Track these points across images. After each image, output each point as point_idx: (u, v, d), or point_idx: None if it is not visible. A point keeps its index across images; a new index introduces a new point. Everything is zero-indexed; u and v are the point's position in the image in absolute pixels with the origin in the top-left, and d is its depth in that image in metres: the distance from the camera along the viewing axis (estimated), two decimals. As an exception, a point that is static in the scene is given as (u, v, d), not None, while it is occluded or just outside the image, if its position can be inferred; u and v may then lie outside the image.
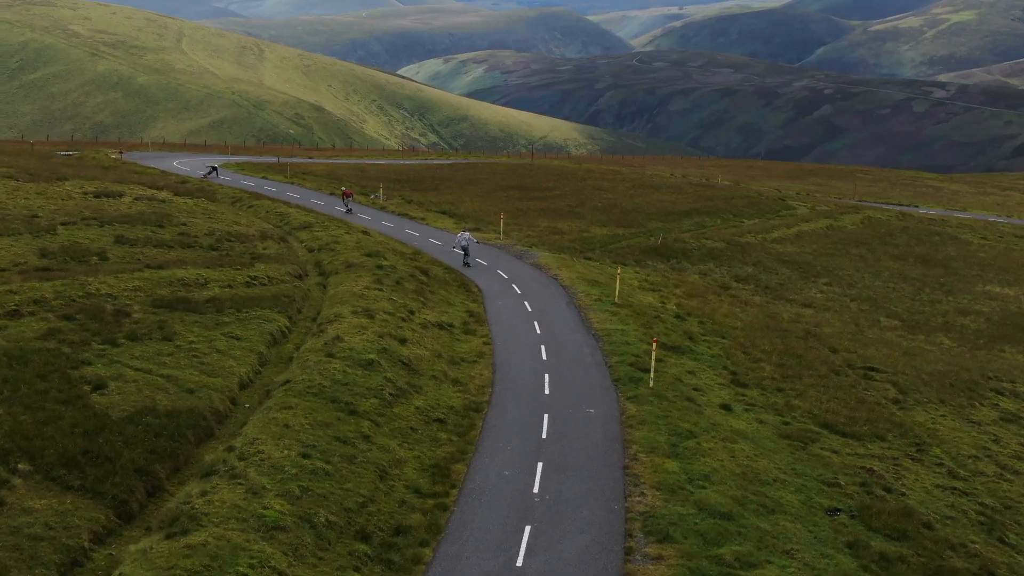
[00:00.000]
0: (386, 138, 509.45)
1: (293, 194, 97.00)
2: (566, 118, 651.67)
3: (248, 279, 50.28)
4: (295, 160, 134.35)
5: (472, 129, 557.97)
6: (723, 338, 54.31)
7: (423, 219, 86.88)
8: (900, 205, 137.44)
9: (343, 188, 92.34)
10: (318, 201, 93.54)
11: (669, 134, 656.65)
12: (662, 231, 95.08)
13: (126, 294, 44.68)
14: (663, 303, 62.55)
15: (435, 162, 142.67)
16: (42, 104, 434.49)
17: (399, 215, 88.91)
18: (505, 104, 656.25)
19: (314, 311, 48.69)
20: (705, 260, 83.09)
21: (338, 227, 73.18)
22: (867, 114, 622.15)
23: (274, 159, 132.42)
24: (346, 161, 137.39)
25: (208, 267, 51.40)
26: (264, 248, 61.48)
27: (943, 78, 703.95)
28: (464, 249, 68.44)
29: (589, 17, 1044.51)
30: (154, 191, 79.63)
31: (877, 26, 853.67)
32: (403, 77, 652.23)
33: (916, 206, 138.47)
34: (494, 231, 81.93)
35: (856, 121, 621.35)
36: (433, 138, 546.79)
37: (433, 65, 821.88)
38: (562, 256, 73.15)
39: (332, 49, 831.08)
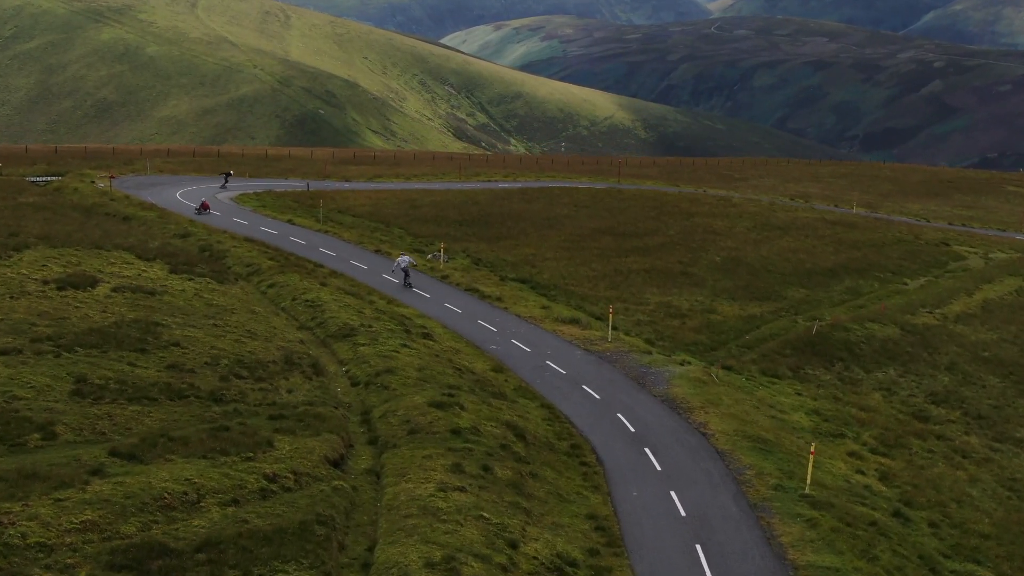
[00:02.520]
0: (429, 118, 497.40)
1: (327, 251, 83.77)
2: (634, 95, 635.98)
3: (263, 484, 36.67)
4: (328, 185, 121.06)
5: (527, 108, 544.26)
6: (978, 564, 40.22)
7: (499, 299, 72.99)
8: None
9: (400, 255, 77.73)
10: (360, 264, 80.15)
11: (752, 113, 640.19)
12: (809, 306, 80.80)
13: (66, 545, 31.27)
14: (861, 472, 48.54)
15: (501, 185, 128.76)
16: (38, 78, 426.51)
17: (466, 290, 75.14)
18: (564, 78, 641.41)
19: (364, 546, 35.00)
20: (881, 362, 68.71)
21: (392, 330, 59.48)
22: (984, 91, 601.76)
23: (302, 184, 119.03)
24: (391, 186, 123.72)
25: (206, 456, 37.86)
26: (289, 390, 47.90)
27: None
28: (404, 271, 74.81)
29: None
30: (143, 267, 66.36)
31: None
32: (448, 47, 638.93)
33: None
34: (599, 323, 67.86)
35: (971, 99, 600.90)
36: (482, 118, 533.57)
37: (482, 33, 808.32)
38: (698, 374, 58.98)
39: (367, 14, 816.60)
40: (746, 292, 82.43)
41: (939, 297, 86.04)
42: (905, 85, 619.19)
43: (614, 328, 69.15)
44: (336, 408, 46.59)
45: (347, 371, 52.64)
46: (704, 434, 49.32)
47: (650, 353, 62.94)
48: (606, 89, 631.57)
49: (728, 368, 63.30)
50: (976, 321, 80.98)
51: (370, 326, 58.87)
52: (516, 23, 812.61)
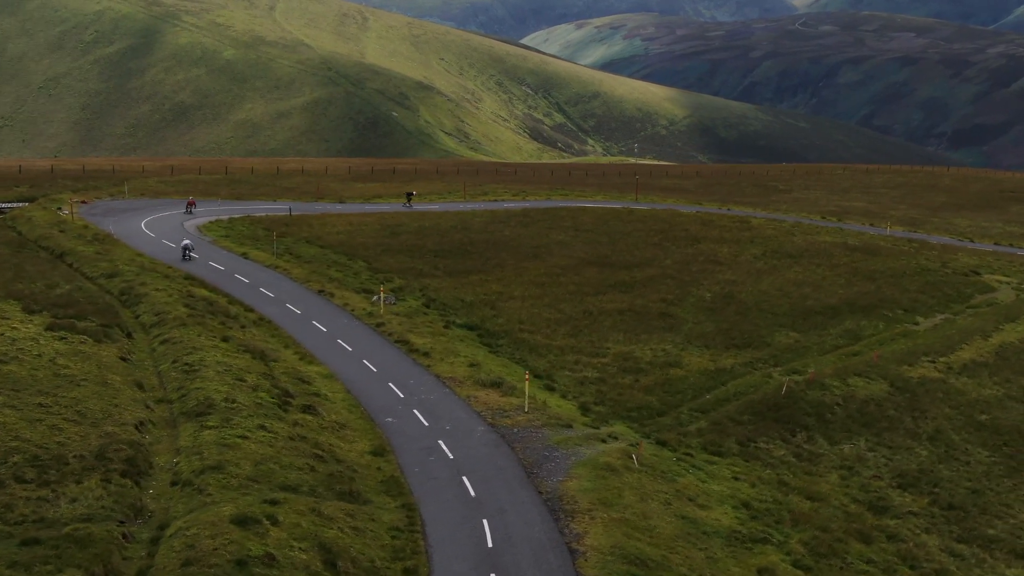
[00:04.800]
0: (504, 119, 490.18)
1: (268, 291, 76.53)
2: (716, 93, 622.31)
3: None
4: (317, 208, 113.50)
5: (604, 108, 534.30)
6: None
7: (427, 353, 64.37)
8: None
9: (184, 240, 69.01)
10: (295, 308, 72.55)
11: (837, 110, 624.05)
12: (794, 354, 71.45)
13: None
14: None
15: (506, 206, 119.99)
16: (117, 82, 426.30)
17: (396, 341, 66.72)
18: (644, 77, 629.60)
19: None
20: (853, 430, 59.24)
21: (262, 404, 51.31)
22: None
23: (286, 207, 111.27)
24: (385, 208, 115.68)
25: None
26: (73, 499, 40.00)
27: None
28: (185, 248, 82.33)
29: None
30: (17, 322, 58.98)
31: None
32: (527, 47, 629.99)
33: None
34: (519, 388, 58.84)
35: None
36: (559, 118, 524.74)
37: (563, 32, 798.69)
38: (613, 458, 49.90)
39: (449, 14, 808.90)
40: (725, 338, 73.29)
41: (949, 341, 75.99)
42: (995, 80, 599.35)
43: (550, 389, 60.79)
44: (121, 524, 38.60)
45: (176, 465, 44.67)
46: (573, 552, 40.45)
47: (570, 427, 54.13)
48: (687, 87, 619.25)
49: (662, 443, 54.40)
50: (985, 372, 70.91)
51: (234, 400, 50.68)
52: (598, 21, 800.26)
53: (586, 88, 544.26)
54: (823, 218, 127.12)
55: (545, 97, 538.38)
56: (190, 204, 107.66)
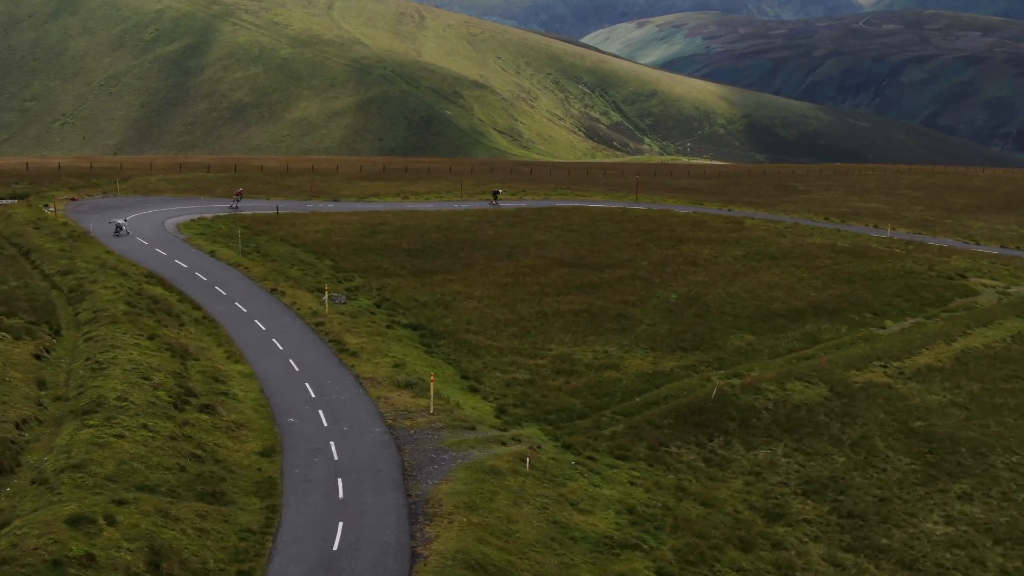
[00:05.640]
0: (560, 118, 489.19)
1: (222, 289, 76.83)
2: (777, 92, 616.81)
3: None
4: (309, 206, 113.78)
5: (662, 107, 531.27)
6: None
7: (355, 353, 64.15)
8: None
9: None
10: (242, 307, 72.71)
11: (900, 110, 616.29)
12: (744, 357, 70.52)
13: None
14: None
15: (503, 204, 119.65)
16: (176, 80, 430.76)
17: (331, 341, 66.57)
18: (704, 75, 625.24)
19: None
20: (775, 435, 58.14)
21: (156, 403, 51.40)
22: None
23: (277, 205, 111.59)
24: (378, 207, 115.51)
25: None
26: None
27: None
28: (117, 226, 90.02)
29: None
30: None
31: None
32: (585, 46, 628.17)
33: None
34: (437, 390, 58.40)
35: None
36: (616, 117, 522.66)
37: (625, 30, 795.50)
38: (503, 461, 49.35)
39: (511, 12, 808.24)
40: (676, 340, 72.43)
41: (910, 345, 74.48)
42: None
43: (474, 391, 60.59)
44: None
45: (44, 463, 44.76)
46: (416, 556, 39.93)
47: (474, 429, 53.63)
48: (748, 86, 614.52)
49: (568, 447, 53.73)
50: (938, 377, 69.27)
51: (126, 399, 50.69)
52: (659, 20, 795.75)
53: (643, 87, 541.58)
54: (826, 219, 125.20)
55: (602, 96, 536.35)
56: (237, 194, 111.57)
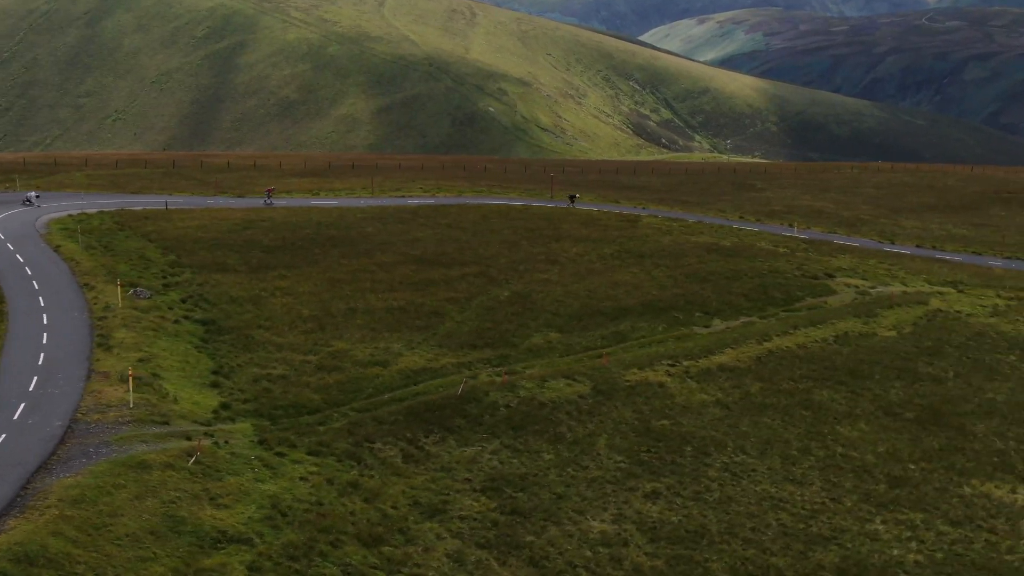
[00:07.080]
0: (608, 115, 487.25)
1: (37, 284, 77.86)
2: (837, 89, 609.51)
3: None
4: (208, 202, 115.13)
5: (714, 104, 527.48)
6: None
7: (109, 349, 64.88)
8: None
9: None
10: (40, 302, 73.61)
11: (961, 108, 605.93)
12: (535, 355, 70.42)
13: None
14: None
15: (411, 202, 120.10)
16: (225, 77, 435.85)
17: (98, 335, 67.19)
18: (763, 73, 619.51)
19: None
20: (497, 433, 57.91)
21: None
22: None
23: (180, 200, 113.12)
24: (261, 204, 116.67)
25: None
26: None
27: None
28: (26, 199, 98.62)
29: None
30: None
31: None
32: (639, 43, 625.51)
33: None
34: (163, 386, 58.82)
35: None
36: (667, 114, 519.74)
37: (684, 27, 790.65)
38: (164, 456, 49.76)
39: (571, 9, 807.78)
40: (474, 338, 72.53)
41: (717, 345, 73.79)
42: None
43: (214, 386, 60.92)
44: None
45: None
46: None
47: (167, 424, 54.10)
48: (808, 84, 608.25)
49: (262, 443, 53.98)
50: (724, 377, 68.50)
51: None
52: (720, 17, 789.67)
53: (696, 84, 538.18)
54: (741, 217, 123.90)
55: (653, 93, 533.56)
56: (269, 191, 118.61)
